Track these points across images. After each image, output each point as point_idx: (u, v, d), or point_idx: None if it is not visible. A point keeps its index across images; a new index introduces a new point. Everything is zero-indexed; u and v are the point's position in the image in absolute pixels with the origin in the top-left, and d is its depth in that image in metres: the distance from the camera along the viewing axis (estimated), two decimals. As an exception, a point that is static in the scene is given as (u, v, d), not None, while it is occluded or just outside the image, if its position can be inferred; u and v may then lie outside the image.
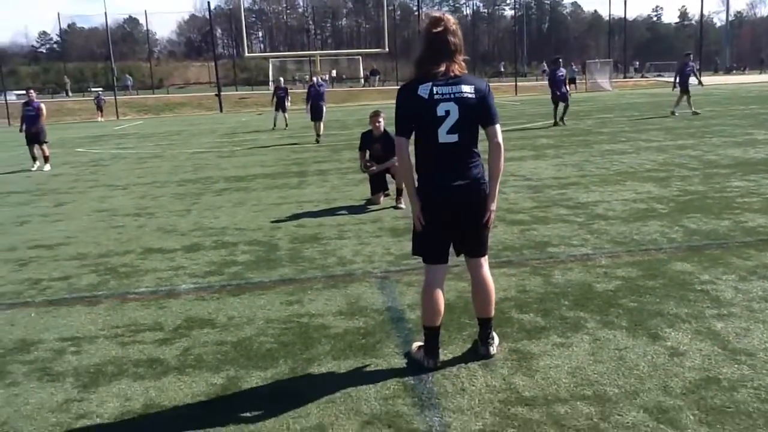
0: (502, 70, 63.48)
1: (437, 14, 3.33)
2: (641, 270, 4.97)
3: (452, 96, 3.24)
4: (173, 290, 5.16)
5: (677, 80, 19.01)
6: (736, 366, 3.34)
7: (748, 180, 8.41)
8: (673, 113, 18.84)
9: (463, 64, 3.33)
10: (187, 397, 3.34)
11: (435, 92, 3.23)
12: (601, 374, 3.33)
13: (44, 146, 14.16)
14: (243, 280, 5.32)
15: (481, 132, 3.39)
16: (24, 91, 59.87)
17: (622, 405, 3.01)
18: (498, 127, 3.37)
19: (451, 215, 3.38)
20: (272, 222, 7.45)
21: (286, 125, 21.50)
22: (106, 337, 4.22)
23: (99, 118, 35.51)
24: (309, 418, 3.05)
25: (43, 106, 14.65)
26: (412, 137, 3.41)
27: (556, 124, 17.52)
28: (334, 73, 59.56)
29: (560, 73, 17.87)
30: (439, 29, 3.25)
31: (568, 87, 17.65)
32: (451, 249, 3.55)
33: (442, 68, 3.25)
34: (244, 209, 8.32)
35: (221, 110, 37.65)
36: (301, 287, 5.03)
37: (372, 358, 3.68)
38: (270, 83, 59.72)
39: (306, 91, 19.33)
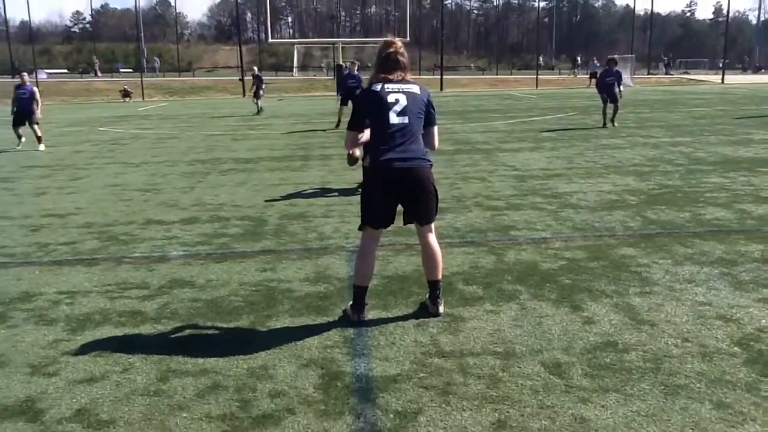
0: (542, 63, 63.79)
1: (389, 39, 4.12)
2: (588, 253, 5.43)
3: (401, 90, 3.97)
4: (164, 256, 5.72)
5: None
6: (636, 333, 3.80)
7: (726, 177, 8.77)
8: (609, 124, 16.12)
9: (409, 76, 4.11)
10: (157, 341, 3.89)
11: (386, 88, 3.96)
12: (516, 336, 3.82)
13: (35, 127, 14.17)
14: (228, 250, 5.87)
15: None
16: (57, 70, 60.95)
17: (524, 360, 3.49)
18: (436, 129, 4.20)
19: (398, 187, 3.92)
20: (267, 200, 8.00)
21: (258, 111, 23.04)
22: (98, 292, 4.80)
23: (127, 101, 36.26)
24: (256, 360, 3.57)
25: (36, 89, 14.52)
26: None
27: (605, 125, 15.86)
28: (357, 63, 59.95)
29: (609, 78, 16.13)
30: (390, 50, 4.03)
31: (619, 88, 16.18)
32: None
33: (393, 76, 4.00)
34: (244, 188, 8.88)
35: (244, 95, 38.34)
36: (278, 257, 5.57)
37: (324, 317, 4.20)
38: (294, 69, 60.49)
39: (335, 77, 20.05)
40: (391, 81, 3.97)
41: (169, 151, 13.39)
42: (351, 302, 4.18)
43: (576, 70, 57.77)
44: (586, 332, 3.84)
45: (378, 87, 3.96)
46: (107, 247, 6.07)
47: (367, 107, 4.03)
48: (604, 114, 15.97)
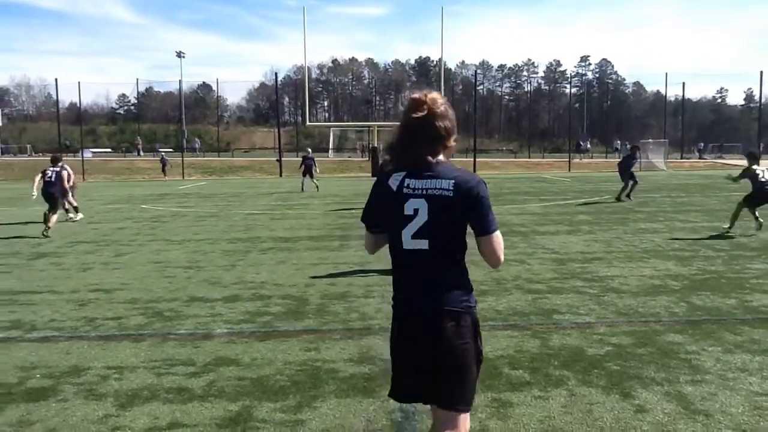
0: (589, 147, 64.60)
1: (418, 95, 2.62)
2: (634, 339, 5.36)
3: (425, 191, 2.53)
4: (209, 333, 5.78)
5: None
6: (691, 423, 3.72)
7: (770, 263, 8.64)
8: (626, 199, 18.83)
9: (453, 147, 2.67)
10: (206, 420, 3.90)
11: (406, 184, 2.56)
12: (567, 423, 3.75)
13: (65, 204, 14.41)
14: (271, 328, 5.91)
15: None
16: (101, 149, 63.01)
17: (577, 448, 3.43)
18: (494, 237, 2.56)
19: (411, 348, 2.60)
20: (307, 280, 8.08)
21: (317, 189, 24.30)
22: (145, 368, 4.85)
23: (165, 177, 37.48)
24: (304, 441, 3.57)
25: (64, 173, 13.60)
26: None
27: (618, 199, 18.71)
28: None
29: (634, 161, 19.73)
30: (420, 114, 2.56)
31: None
32: None
33: (421, 157, 2.56)
34: (285, 267, 8.99)
35: (281, 174, 39.16)
36: (321, 337, 5.59)
37: (369, 398, 4.19)
38: (330, 151, 61.87)
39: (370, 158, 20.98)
40: (414, 172, 2.56)
41: (209, 229, 13.66)
42: None
43: (619, 153, 57.70)
44: (639, 420, 3.76)
45: (396, 182, 2.58)
46: (153, 323, 6.16)
47: (377, 208, 2.71)
48: (622, 191, 18.82)
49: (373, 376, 4.58)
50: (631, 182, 18.77)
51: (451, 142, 2.65)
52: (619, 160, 22.36)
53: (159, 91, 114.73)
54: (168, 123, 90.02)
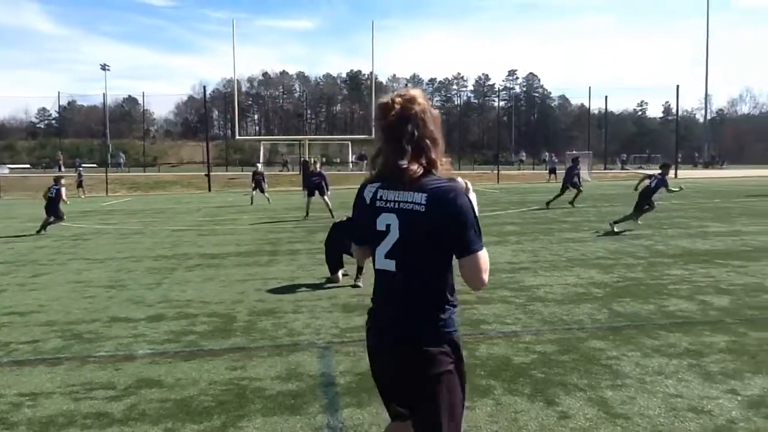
0: (523, 158, 65.79)
1: (385, 99, 2.33)
2: (558, 346, 5.47)
3: (396, 204, 2.28)
4: (131, 355, 5.59)
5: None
6: (611, 427, 3.81)
7: (686, 269, 8.99)
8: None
9: (433, 160, 2.30)
10: (125, 445, 3.76)
11: (379, 196, 2.33)
12: (492, 432, 3.79)
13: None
14: (196, 347, 5.77)
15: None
16: (19, 165, 60.36)
17: (502, 457, 3.46)
18: (476, 258, 2.27)
19: (384, 376, 2.42)
20: (235, 296, 7.93)
21: (269, 201, 24.40)
22: (61, 393, 4.65)
23: (81, 196, 34.97)
24: (228, 463, 3.47)
25: (63, 190, 16.25)
26: None
27: (547, 204, 20.53)
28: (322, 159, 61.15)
29: (577, 170, 21.50)
30: (389, 117, 2.29)
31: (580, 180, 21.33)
32: None
33: (393, 165, 2.27)
34: (212, 284, 8.80)
35: (210, 189, 38.49)
36: (248, 355, 5.49)
37: (297, 416, 4.13)
38: (259, 164, 61.16)
39: (301, 172, 21.22)
40: (388, 182, 2.31)
41: (133, 246, 13.27)
42: None
43: (546, 165, 58.61)
44: (563, 427, 3.83)
45: (369, 194, 2.37)
46: (71, 346, 5.91)
47: (359, 220, 2.47)
48: (556, 198, 20.48)
49: (301, 393, 4.52)
50: (576, 190, 20.68)
51: (436, 154, 2.30)
52: (546, 171, 24.40)
53: (82, 104, 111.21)
54: (92, 137, 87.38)
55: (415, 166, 2.24)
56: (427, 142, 2.28)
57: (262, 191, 24.91)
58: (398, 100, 2.29)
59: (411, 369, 2.27)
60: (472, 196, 2.32)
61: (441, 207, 2.20)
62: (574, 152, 48.70)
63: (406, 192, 2.24)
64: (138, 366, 5.27)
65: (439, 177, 2.28)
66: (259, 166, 27.80)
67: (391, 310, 2.33)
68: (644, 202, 14.11)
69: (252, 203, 24.37)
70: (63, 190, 16.42)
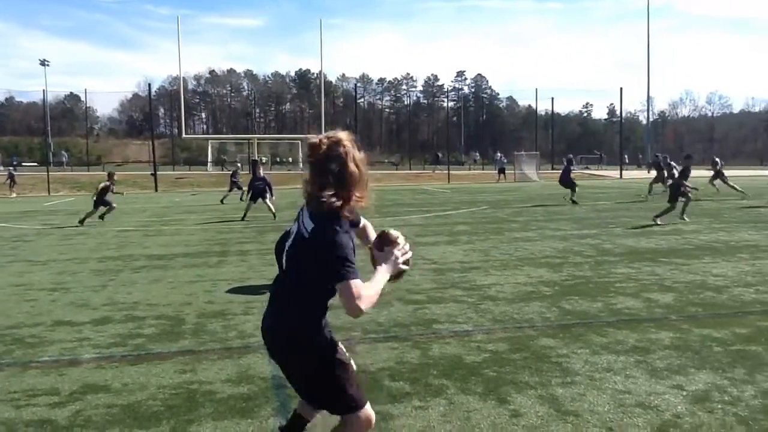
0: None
1: (315, 139, 2.70)
2: (510, 345, 5.53)
3: (301, 224, 2.76)
4: (75, 359, 5.42)
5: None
6: (562, 424, 3.86)
7: (632, 267, 9.21)
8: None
9: (348, 196, 2.68)
10: (69, 453, 3.64)
11: (301, 217, 2.81)
12: (446, 431, 3.80)
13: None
14: (144, 351, 5.63)
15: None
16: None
17: (456, 456, 3.47)
18: (345, 286, 2.56)
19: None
20: (184, 298, 7.78)
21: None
22: (2, 400, 4.47)
23: (12, 195, 33.86)
24: (178, 469, 3.39)
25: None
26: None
27: (575, 202, 21.58)
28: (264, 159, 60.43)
29: (572, 168, 23.19)
30: (318, 156, 2.68)
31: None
32: None
33: (309, 194, 2.72)
34: (159, 286, 8.61)
35: (156, 189, 37.76)
36: (198, 358, 5.38)
37: (248, 419, 4.06)
38: (208, 164, 60.31)
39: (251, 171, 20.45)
40: (309, 206, 2.76)
41: (77, 248, 12.90)
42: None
43: (495, 165, 58.63)
44: (514, 426, 3.87)
45: (298, 210, 2.90)
46: (12, 351, 5.70)
47: None
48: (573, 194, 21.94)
49: (252, 396, 4.45)
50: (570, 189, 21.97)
51: (354, 191, 2.67)
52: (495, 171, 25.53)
53: (21, 101, 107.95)
54: (32, 135, 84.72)
55: (333, 200, 2.62)
56: (347, 179, 2.64)
57: (240, 188, 24.86)
58: (325, 141, 2.65)
59: (286, 348, 2.87)
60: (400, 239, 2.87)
61: (318, 236, 2.63)
62: (522, 152, 49.57)
63: (307, 218, 2.70)
64: (83, 371, 5.11)
65: (331, 215, 2.64)
66: (239, 165, 27.57)
67: (268, 308, 2.92)
68: (677, 193, 15.34)
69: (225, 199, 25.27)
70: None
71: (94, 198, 18.18)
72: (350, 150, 2.66)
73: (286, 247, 2.79)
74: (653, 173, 26.49)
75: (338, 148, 2.64)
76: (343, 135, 2.68)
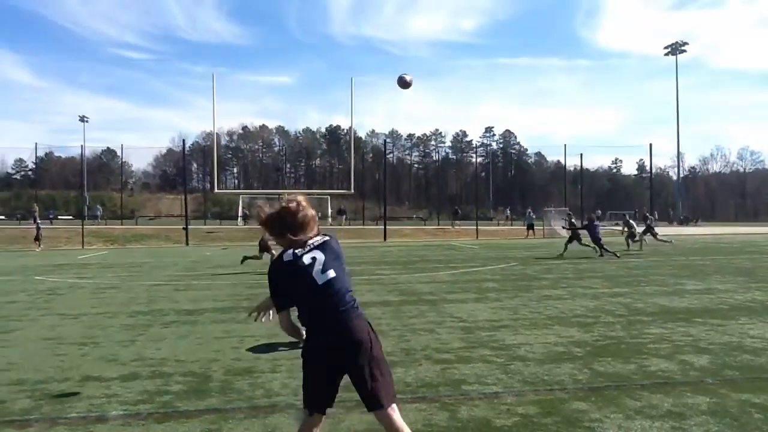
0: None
1: (293, 204, 3.79)
2: (540, 408, 5.41)
3: (313, 247, 3.68)
4: (103, 416, 5.43)
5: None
6: (596, 494, 3.74)
7: (665, 327, 9.02)
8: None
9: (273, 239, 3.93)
10: None
11: (297, 253, 3.64)
12: (475, 500, 3.70)
13: None
14: (171, 409, 5.61)
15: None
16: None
17: None
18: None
19: (338, 363, 3.62)
20: (211, 354, 7.78)
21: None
22: (29, 458, 4.48)
23: (37, 248, 33.79)
24: None
25: None
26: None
27: (616, 255, 23.15)
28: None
29: (597, 223, 24.77)
30: (300, 215, 3.78)
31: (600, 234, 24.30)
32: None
33: (300, 239, 3.71)
34: (187, 342, 8.64)
35: (187, 243, 38.21)
36: (224, 416, 5.35)
37: (274, 482, 4.00)
38: (239, 218, 60.98)
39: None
40: (299, 248, 3.76)
41: (108, 301, 13.04)
42: None
43: (524, 221, 57.88)
44: (546, 494, 3.75)
45: (289, 256, 3.76)
46: (40, 407, 5.73)
47: (284, 282, 3.84)
48: (603, 250, 23.52)
49: (278, 458, 4.40)
50: (599, 243, 23.54)
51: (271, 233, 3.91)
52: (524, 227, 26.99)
53: (60, 156, 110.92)
54: (68, 189, 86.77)
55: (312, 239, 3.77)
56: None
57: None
58: (300, 205, 3.80)
59: (366, 344, 3.62)
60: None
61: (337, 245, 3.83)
62: (551, 208, 49.37)
63: (318, 244, 3.73)
64: (110, 427, 5.11)
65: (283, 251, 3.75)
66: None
67: (329, 324, 3.67)
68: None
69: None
70: None
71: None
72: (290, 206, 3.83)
73: (319, 268, 3.57)
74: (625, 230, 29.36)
75: (307, 211, 3.85)
76: (298, 198, 3.86)
